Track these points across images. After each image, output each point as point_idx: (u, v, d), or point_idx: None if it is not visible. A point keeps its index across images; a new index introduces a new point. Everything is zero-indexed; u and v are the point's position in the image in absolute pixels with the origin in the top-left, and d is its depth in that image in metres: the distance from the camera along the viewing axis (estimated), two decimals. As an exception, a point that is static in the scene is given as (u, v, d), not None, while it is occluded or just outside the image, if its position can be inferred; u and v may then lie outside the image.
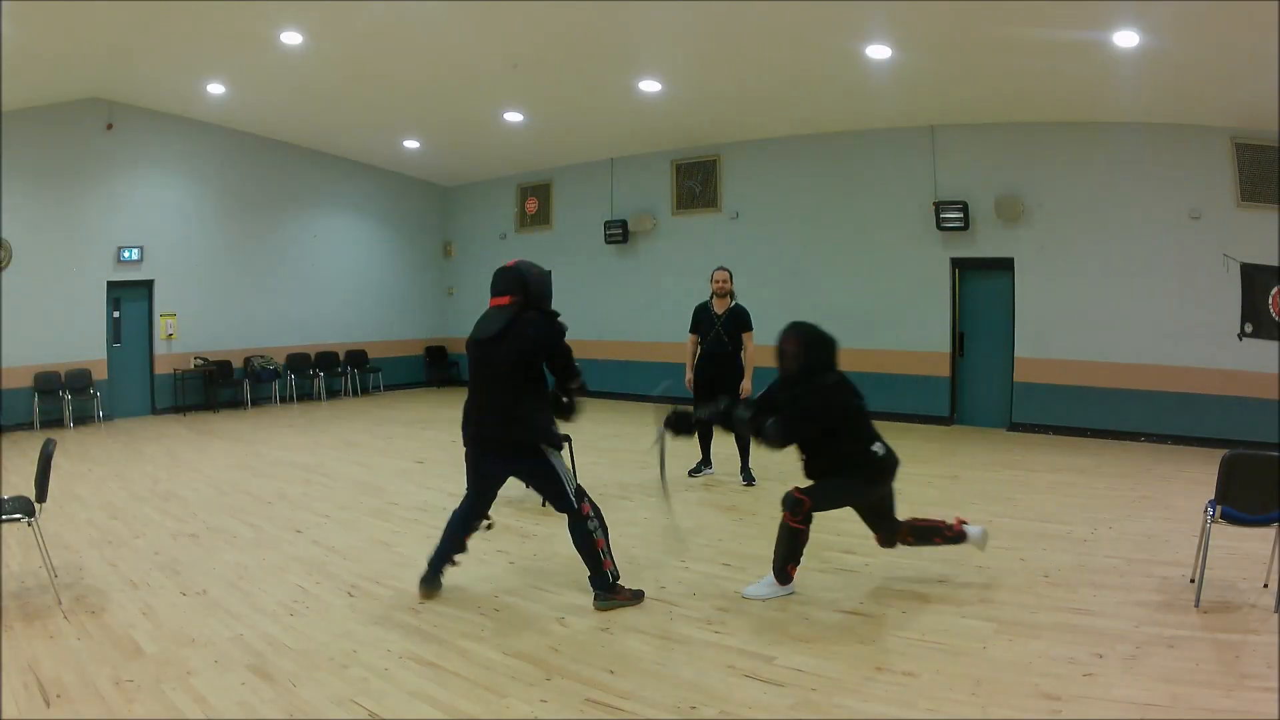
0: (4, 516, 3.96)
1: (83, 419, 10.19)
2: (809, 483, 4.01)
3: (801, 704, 2.98)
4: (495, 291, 3.97)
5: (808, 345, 4.01)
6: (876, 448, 3.97)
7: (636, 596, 3.99)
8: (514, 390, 3.83)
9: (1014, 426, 9.30)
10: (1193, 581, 4.01)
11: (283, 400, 12.29)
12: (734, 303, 6.61)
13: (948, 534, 4.19)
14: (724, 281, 6.61)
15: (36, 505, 4.02)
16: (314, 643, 3.55)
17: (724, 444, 6.53)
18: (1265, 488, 3.67)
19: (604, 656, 3.40)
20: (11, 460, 7.52)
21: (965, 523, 4.26)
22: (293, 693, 3.08)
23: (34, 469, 4.17)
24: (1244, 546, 4.50)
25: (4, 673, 3.16)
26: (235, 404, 11.72)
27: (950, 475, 6.98)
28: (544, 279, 4.03)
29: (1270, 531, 3.90)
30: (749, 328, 6.54)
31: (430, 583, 4.12)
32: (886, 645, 3.47)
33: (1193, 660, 3.23)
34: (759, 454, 6.87)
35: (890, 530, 4.15)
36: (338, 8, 7.37)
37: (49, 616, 3.79)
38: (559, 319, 3.97)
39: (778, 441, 3.89)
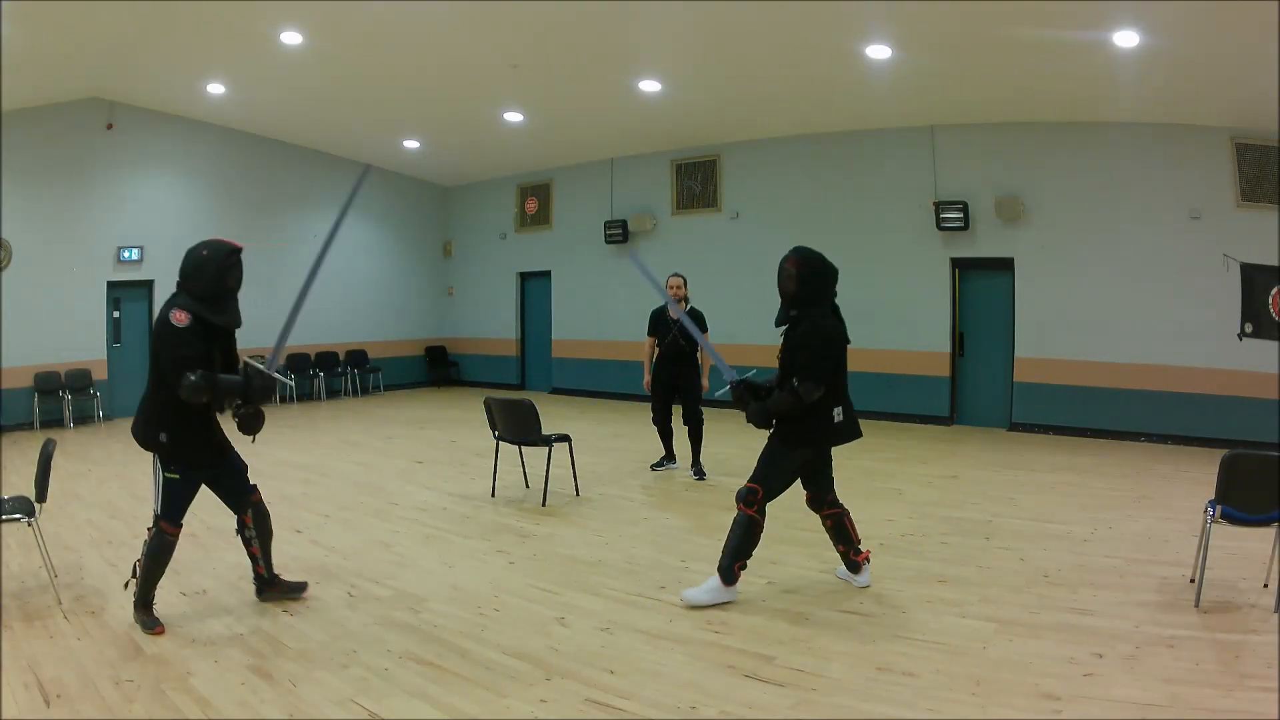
0: (4, 516, 3.96)
1: (83, 419, 10.20)
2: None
3: (801, 704, 2.98)
4: None
5: (802, 269, 3.86)
6: (836, 414, 3.84)
7: (143, 626, 3.60)
8: (150, 385, 3.64)
9: (1014, 426, 9.30)
10: (1193, 581, 4.01)
11: (282, 400, 12.29)
12: (688, 306, 6.79)
13: (852, 555, 4.13)
14: (678, 288, 6.80)
15: (36, 505, 4.02)
16: (314, 643, 3.55)
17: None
18: (1265, 488, 3.67)
19: (604, 656, 3.40)
20: (11, 460, 7.51)
21: (867, 561, 4.18)
22: (293, 693, 3.07)
23: (34, 469, 4.17)
24: (1244, 546, 4.51)
25: (4, 673, 3.16)
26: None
27: (950, 475, 6.98)
28: (192, 256, 3.59)
29: (1270, 531, 3.91)
30: (704, 329, 6.72)
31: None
32: (886, 645, 3.47)
33: (1193, 660, 3.23)
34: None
35: (821, 494, 4.08)
36: (337, 8, 7.37)
37: (49, 616, 3.79)
38: (174, 311, 3.49)
39: (811, 394, 3.74)
